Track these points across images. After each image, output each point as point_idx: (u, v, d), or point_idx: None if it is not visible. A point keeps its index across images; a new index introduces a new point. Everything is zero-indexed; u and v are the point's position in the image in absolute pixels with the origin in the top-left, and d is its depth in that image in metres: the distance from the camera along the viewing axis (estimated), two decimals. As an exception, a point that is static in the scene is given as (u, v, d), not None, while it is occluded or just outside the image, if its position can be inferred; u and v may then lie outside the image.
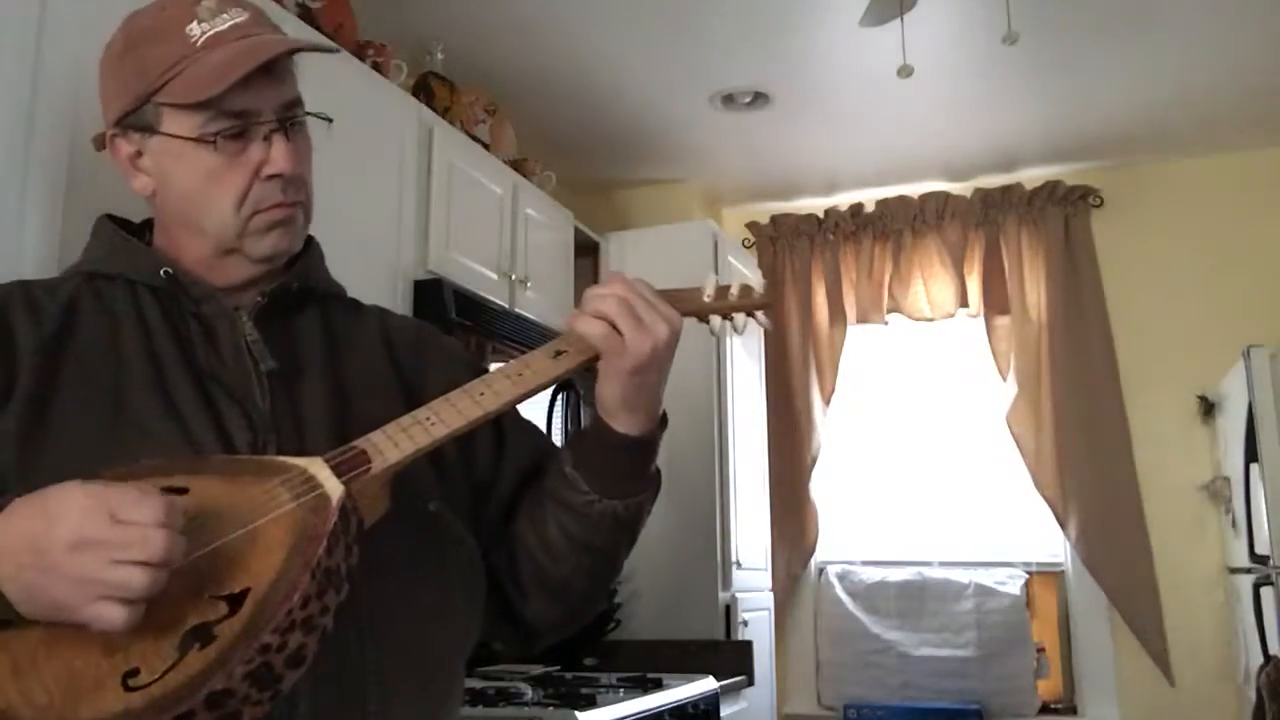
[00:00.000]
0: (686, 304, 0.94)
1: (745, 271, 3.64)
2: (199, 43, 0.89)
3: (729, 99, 3.18)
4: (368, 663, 0.85)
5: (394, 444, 0.80)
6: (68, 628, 0.68)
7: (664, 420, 0.95)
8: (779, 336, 3.90)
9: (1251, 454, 2.85)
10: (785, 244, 4.01)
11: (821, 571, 3.84)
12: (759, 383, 3.66)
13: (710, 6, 2.65)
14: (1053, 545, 3.63)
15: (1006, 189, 3.74)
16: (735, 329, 0.97)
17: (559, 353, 0.89)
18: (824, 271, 3.93)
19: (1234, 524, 3.16)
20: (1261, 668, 2.68)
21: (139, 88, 0.91)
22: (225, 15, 0.91)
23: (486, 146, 2.72)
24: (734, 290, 0.96)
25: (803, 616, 3.82)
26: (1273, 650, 2.71)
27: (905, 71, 2.54)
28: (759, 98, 3.17)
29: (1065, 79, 3.06)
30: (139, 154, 0.94)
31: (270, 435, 0.88)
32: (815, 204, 4.01)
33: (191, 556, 0.70)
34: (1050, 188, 3.69)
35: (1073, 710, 3.51)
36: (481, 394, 0.85)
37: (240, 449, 0.86)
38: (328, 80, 2.03)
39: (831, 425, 3.84)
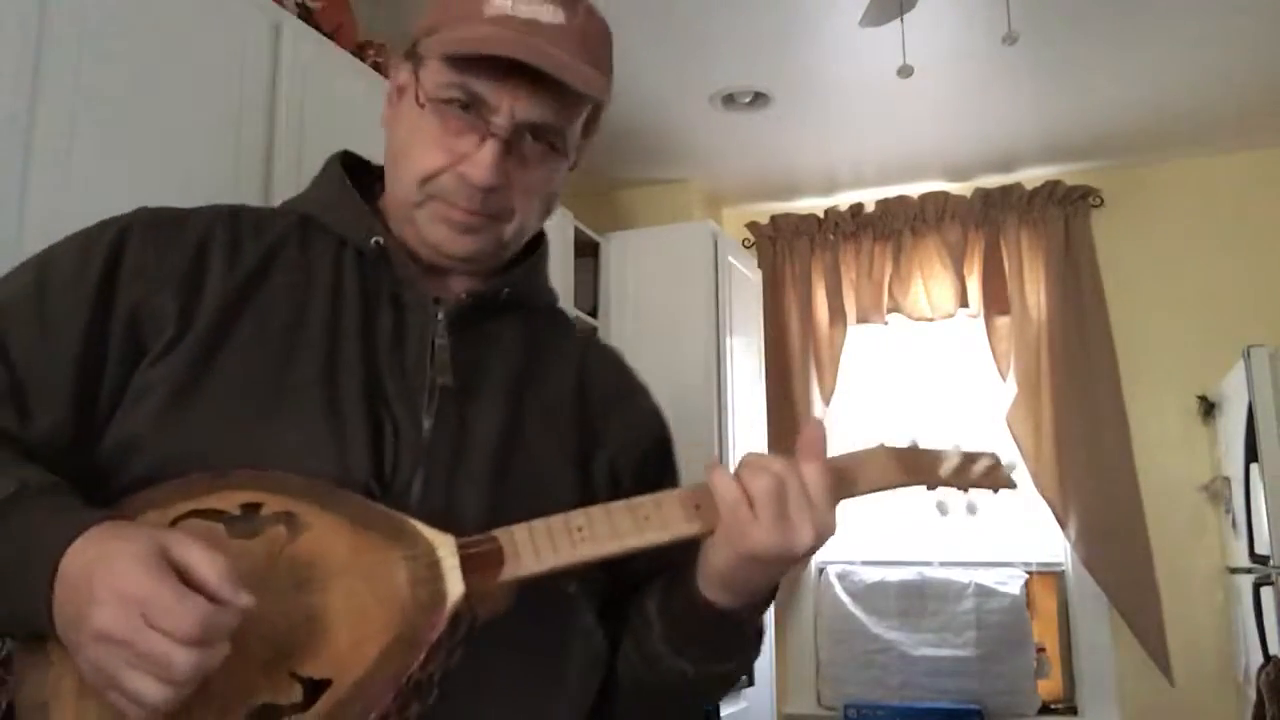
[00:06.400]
0: (917, 474, 0.81)
1: (745, 271, 3.64)
2: (488, 13, 0.81)
3: (729, 99, 3.18)
4: None
5: (534, 550, 0.71)
6: None
7: (772, 595, 0.82)
8: (779, 336, 3.90)
9: (1251, 454, 2.85)
10: (785, 244, 4.01)
11: (821, 571, 3.84)
12: (759, 382, 3.66)
13: (710, 6, 2.65)
14: (1053, 545, 3.63)
15: (1006, 189, 3.74)
16: (968, 508, 0.84)
17: (699, 506, 0.75)
18: (824, 271, 3.92)
19: (1234, 524, 3.16)
20: (1261, 668, 2.68)
21: (427, 23, 0.85)
22: (539, 7, 0.82)
23: (486, 146, 2.72)
24: (978, 468, 0.83)
25: (803, 616, 3.82)
26: (1273, 650, 2.71)
27: (905, 71, 2.54)
28: (759, 98, 3.17)
29: (1065, 79, 3.06)
30: (402, 89, 0.86)
31: (421, 462, 0.78)
32: (815, 204, 4.01)
33: (294, 617, 0.65)
34: (1050, 188, 3.69)
35: (1073, 710, 3.51)
36: (647, 518, 0.74)
37: (386, 470, 0.77)
38: (328, 79, 2.03)
39: (832, 425, 3.84)
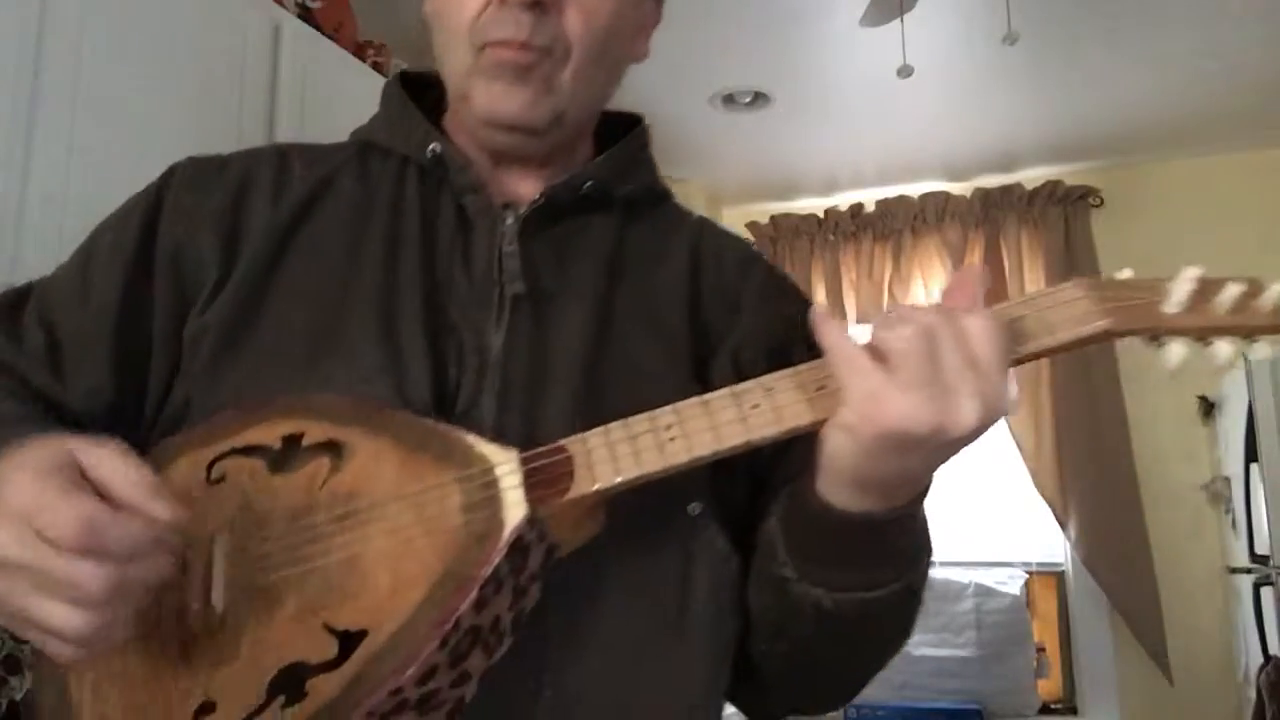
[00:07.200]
0: (1130, 316, 0.56)
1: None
2: None
3: (729, 99, 3.18)
4: None
5: (611, 458, 0.57)
6: (162, 605, 0.56)
7: (920, 498, 0.61)
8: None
9: (1251, 454, 2.85)
10: (785, 244, 4.01)
11: (821, 571, 3.83)
12: (759, 383, 3.66)
13: (710, 6, 2.65)
14: (1053, 545, 3.63)
15: (1006, 189, 3.74)
16: (1215, 358, 0.57)
17: (822, 387, 0.58)
18: (824, 271, 3.92)
19: (1234, 524, 3.16)
20: (1261, 668, 2.67)
21: None
22: None
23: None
24: (1224, 299, 0.55)
25: (803, 616, 3.81)
26: (1273, 650, 2.71)
27: (905, 71, 2.55)
28: (759, 98, 3.17)
29: (1065, 79, 3.05)
30: None
31: (493, 383, 0.66)
32: (815, 204, 4.01)
33: (330, 558, 0.56)
34: (1050, 188, 3.69)
35: (1073, 710, 3.51)
36: (755, 406, 0.57)
37: (451, 395, 0.66)
38: (328, 79, 2.03)
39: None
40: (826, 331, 0.56)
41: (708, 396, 0.58)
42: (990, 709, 3.44)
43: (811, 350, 0.73)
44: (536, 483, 0.56)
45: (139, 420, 0.70)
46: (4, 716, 1.48)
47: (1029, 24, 2.67)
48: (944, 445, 0.54)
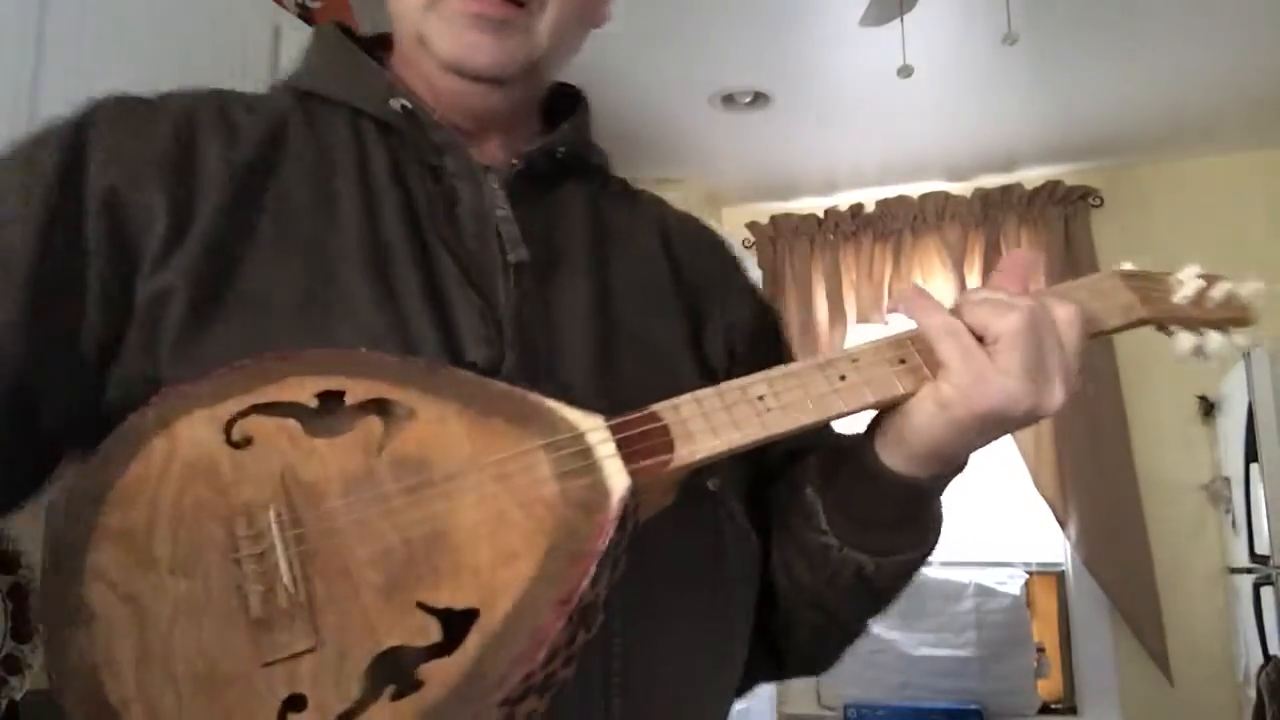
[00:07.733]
0: (1154, 306, 0.64)
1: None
2: None
3: (729, 99, 3.18)
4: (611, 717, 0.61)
5: (709, 427, 0.55)
6: (211, 589, 0.49)
7: (964, 465, 0.64)
8: (779, 336, 3.90)
9: (1251, 454, 2.85)
10: (785, 244, 4.01)
11: (821, 571, 3.83)
12: (759, 383, 3.66)
13: (710, 6, 2.65)
14: (1053, 545, 3.63)
15: (1006, 189, 3.74)
16: (1202, 352, 0.66)
17: (903, 359, 0.60)
18: (824, 271, 3.92)
19: (1234, 524, 3.16)
20: (1261, 668, 2.68)
21: None
22: None
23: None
24: (1216, 292, 0.65)
25: (803, 616, 3.81)
26: (1273, 650, 2.71)
27: (905, 71, 2.55)
28: (759, 98, 3.17)
29: (1065, 79, 3.06)
30: None
31: (513, 351, 0.63)
32: (815, 204, 4.01)
33: (411, 532, 0.50)
34: (1050, 188, 3.69)
35: (1073, 710, 3.51)
36: (843, 377, 0.59)
37: (466, 363, 0.61)
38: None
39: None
40: (924, 309, 0.59)
41: (792, 367, 0.59)
42: (990, 709, 3.44)
43: (776, 343, 0.79)
44: (634, 451, 0.53)
45: (55, 415, 0.58)
46: (4, 716, 1.48)
47: (1029, 24, 2.67)
48: (1023, 424, 0.58)
